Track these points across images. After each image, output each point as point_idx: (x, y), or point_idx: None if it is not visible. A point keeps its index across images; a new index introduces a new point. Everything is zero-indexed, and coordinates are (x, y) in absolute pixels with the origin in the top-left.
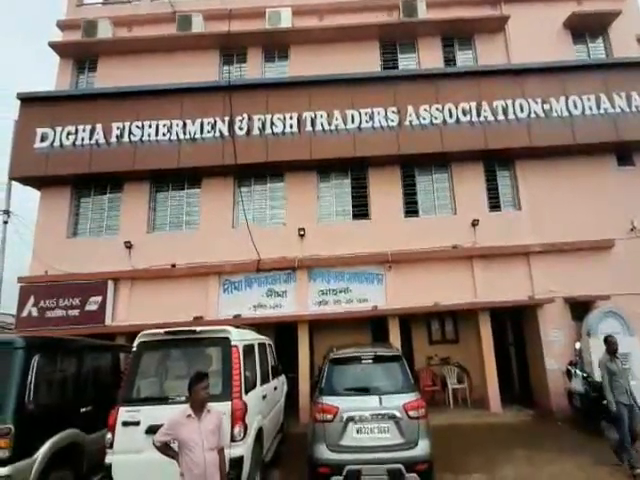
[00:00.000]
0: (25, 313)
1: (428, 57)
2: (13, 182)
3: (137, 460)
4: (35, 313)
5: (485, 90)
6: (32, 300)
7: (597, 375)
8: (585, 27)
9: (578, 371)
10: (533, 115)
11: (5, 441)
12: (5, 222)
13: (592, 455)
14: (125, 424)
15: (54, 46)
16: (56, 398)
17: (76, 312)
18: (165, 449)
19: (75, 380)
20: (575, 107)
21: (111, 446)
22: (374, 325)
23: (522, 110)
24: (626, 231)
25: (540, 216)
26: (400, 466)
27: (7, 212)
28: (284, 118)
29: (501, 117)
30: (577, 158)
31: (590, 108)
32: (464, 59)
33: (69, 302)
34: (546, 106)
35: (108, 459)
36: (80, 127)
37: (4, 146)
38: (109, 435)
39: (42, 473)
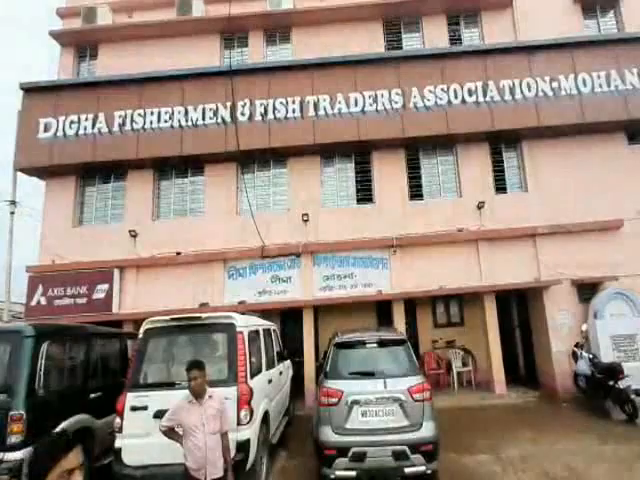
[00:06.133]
0: (34, 302)
1: (433, 36)
2: (18, 173)
3: (146, 443)
4: (44, 302)
5: (492, 69)
6: (40, 289)
7: (603, 357)
8: (596, 1)
9: (584, 353)
10: (541, 94)
11: (18, 426)
12: (12, 213)
13: (597, 435)
14: (133, 409)
15: (55, 35)
16: (66, 384)
17: (84, 300)
18: (170, 433)
19: (84, 366)
20: (584, 85)
21: (120, 430)
22: (379, 309)
23: (530, 89)
24: (635, 211)
25: (547, 197)
26: (405, 448)
27: (13, 202)
28: (286, 102)
29: (508, 97)
30: (586, 137)
31: (600, 85)
32: (470, 37)
33: (77, 290)
34: (554, 84)
35: (118, 443)
36: (83, 116)
37: (8, 137)
38: (118, 420)
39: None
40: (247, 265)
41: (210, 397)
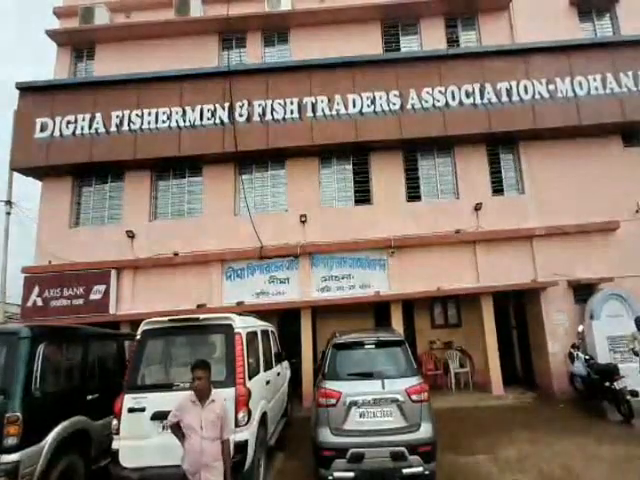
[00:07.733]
0: (30, 303)
1: (431, 38)
2: (14, 173)
3: (143, 445)
4: (40, 303)
5: (489, 71)
6: (37, 290)
7: (599, 358)
8: (592, 4)
9: (580, 354)
10: (537, 96)
11: (14, 428)
12: (8, 213)
13: (593, 436)
14: (131, 410)
15: (51, 34)
16: (62, 386)
17: (80, 301)
18: (175, 430)
19: (81, 368)
20: (581, 87)
21: (117, 432)
22: (377, 310)
23: (526, 91)
24: (631, 212)
25: (544, 199)
26: (403, 449)
27: (9, 203)
28: (284, 103)
29: (505, 99)
30: (582, 139)
31: (596, 88)
32: (467, 40)
33: (73, 291)
34: (551, 87)
35: (115, 445)
36: (79, 116)
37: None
38: (115, 421)
39: (51, 459)
40: (245, 266)
41: (213, 401)
